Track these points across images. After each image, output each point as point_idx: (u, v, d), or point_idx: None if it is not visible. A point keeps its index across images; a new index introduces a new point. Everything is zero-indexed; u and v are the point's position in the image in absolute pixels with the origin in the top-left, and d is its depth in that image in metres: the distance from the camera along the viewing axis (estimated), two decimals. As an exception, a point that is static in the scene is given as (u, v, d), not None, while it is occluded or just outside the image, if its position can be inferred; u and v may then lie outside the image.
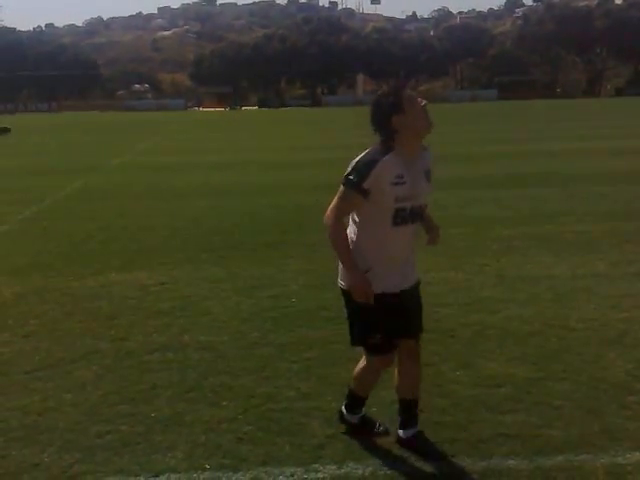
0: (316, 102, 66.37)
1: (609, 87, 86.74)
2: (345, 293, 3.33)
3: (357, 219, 3.26)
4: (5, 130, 30.77)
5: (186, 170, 16.05)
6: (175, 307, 5.79)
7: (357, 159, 3.15)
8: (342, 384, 4.23)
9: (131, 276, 6.86)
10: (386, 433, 3.59)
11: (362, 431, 3.62)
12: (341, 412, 3.69)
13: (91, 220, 10.11)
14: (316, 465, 3.35)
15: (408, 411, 3.50)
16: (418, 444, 3.45)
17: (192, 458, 3.45)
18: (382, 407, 3.93)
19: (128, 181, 14.47)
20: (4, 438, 3.68)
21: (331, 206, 3.22)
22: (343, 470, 3.30)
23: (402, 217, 3.20)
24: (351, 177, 3.11)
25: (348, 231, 3.29)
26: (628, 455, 3.38)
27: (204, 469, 3.35)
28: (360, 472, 3.29)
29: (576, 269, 6.76)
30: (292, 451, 3.48)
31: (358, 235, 3.26)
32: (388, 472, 3.28)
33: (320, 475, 3.26)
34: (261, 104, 77.57)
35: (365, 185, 3.08)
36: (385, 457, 3.41)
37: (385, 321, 3.27)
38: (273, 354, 4.73)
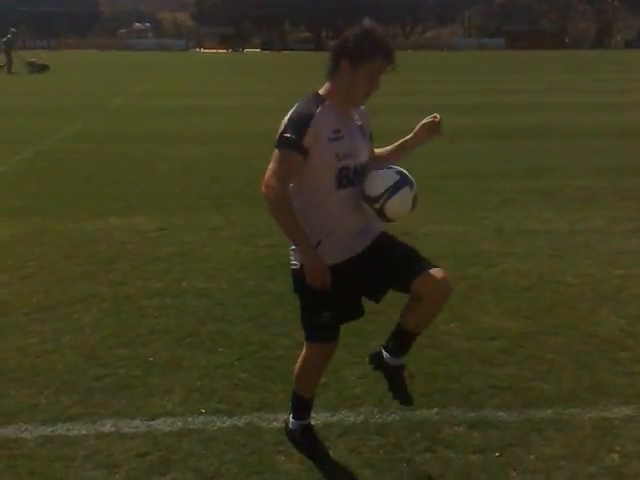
0: (320, 46, 65.12)
1: (619, 38, 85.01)
2: (297, 276, 2.85)
3: (296, 188, 2.78)
4: (44, 67, 29.95)
5: (186, 114, 15.86)
6: (174, 253, 5.81)
7: (289, 115, 2.72)
8: (337, 334, 4.28)
9: (130, 221, 6.86)
10: (323, 454, 3.08)
11: (302, 445, 3.10)
12: (286, 421, 3.20)
13: (90, 163, 10.04)
14: (309, 412, 3.41)
15: (406, 341, 3.05)
16: (393, 374, 3.03)
17: (188, 402, 3.51)
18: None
19: (128, 124, 14.32)
20: (2, 379, 3.74)
21: (268, 174, 2.69)
22: (336, 417, 3.37)
23: (347, 177, 2.77)
24: (287, 135, 2.66)
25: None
26: (616, 410, 3.44)
27: (200, 413, 3.41)
28: (352, 419, 3.35)
29: (575, 224, 6.76)
30: (286, 398, 3.52)
31: (300, 206, 2.76)
32: (379, 420, 3.34)
33: (313, 422, 3.31)
34: (264, 46, 76.13)
35: (304, 143, 2.65)
36: (377, 405, 3.47)
37: (336, 296, 2.80)
38: (270, 302, 4.77)
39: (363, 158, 2.86)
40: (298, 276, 2.83)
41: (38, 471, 2.95)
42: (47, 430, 3.25)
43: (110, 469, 2.97)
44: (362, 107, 2.94)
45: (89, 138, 12.40)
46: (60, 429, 3.26)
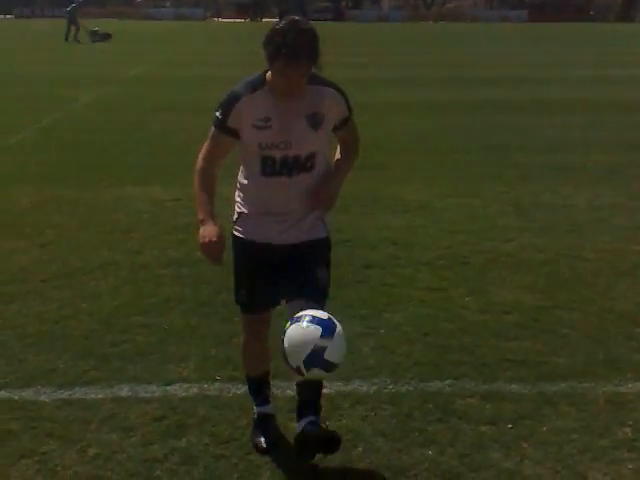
0: (339, 16, 64.26)
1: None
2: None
3: (239, 159, 2.82)
4: (107, 36, 29.74)
5: (203, 84, 15.79)
6: (190, 223, 5.80)
7: (228, 91, 2.70)
8: (352, 305, 4.31)
9: (147, 190, 6.88)
10: (271, 446, 2.92)
11: (258, 430, 2.96)
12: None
13: (107, 132, 10.07)
14: (323, 381, 3.44)
15: (306, 392, 2.85)
16: (305, 439, 2.73)
17: (203, 369, 3.56)
18: (389, 330, 3.99)
19: (145, 93, 14.30)
20: (21, 344, 3.80)
21: (203, 147, 2.77)
22: (349, 387, 3.39)
23: (271, 167, 2.68)
24: (217, 114, 2.67)
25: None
26: (630, 385, 3.44)
27: (214, 380, 3.45)
28: (365, 389, 3.38)
29: (594, 200, 6.68)
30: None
31: (239, 176, 2.83)
32: (392, 391, 3.36)
33: (326, 391, 3.33)
34: (282, 16, 75.13)
35: (230, 124, 2.63)
36: (390, 376, 3.49)
37: (251, 274, 2.84)
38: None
39: (302, 149, 2.68)
40: (231, 241, 2.87)
41: (56, 433, 3.01)
42: (65, 394, 3.31)
43: (127, 432, 3.02)
44: (332, 90, 2.72)
45: (106, 107, 12.41)
46: (78, 393, 3.32)
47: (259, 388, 3.08)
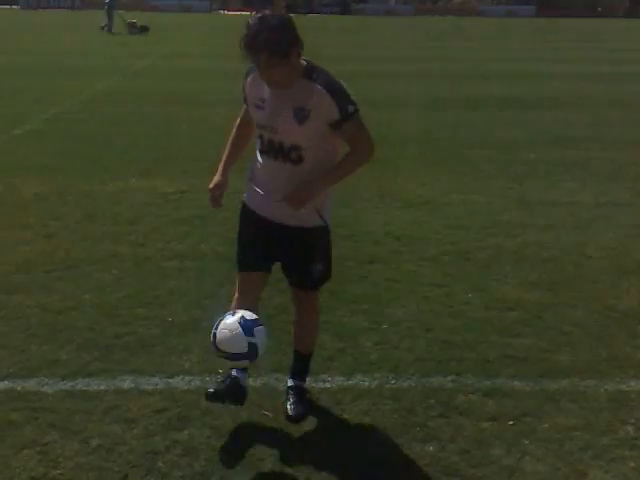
0: (345, 10, 64.07)
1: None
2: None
3: None
4: (145, 29, 29.44)
5: (209, 76, 15.78)
6: (194, 216, 5.83)
7: None
8: (354, 300, 4.31)
9: (151, 183, 6.88)
10: (289, 419, 3.09)
11: (225, 393, 2.94)
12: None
13: (112, 124, 10.07)
14: (325, 376, 3.45)
15: (296, 361, 3.23)
16: (295, 397, 3.15)
17: (206, 362, 3.56)
18: (392, 325, 4.00)
19: (150, 86, 14.29)
20: (24, 334, 3.82)
21: None
22: (351, 382, 3.40)
23: (261, 145, 2.89)
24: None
25: None
26: (632, 383, 3.43)
27: (217, 373, 3.45)
28: (367, 384, 3.38)
29: (599, 197, 6.66)
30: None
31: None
32: (394, 386, 3.37)
33: (328, 385, 3.36)
34: (289, 9, 75.16)
35: (243, 93, 2.95)
36: (392, 371, 3.49)
37: (248, 234, 3.02)
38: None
39: (285, 138, 2.75)
40: None
41: (58, 424, 3.02)
42: (67, 385, 3.32)
43: (128, 424, 3.03)
44: (323, 90, 2.68)
45: (112, 99, 12.41)
46: (80, 384, 3.34)
47: None
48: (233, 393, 2.90)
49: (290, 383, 3.24)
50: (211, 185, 3.08)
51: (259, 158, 2.94)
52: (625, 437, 3.01)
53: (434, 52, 22.69)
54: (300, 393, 3.20)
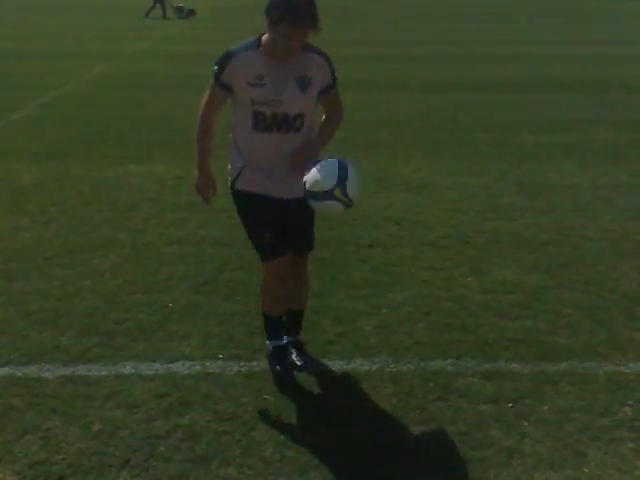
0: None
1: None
2: (233, 196, 3.16)
3: (233, 114, 3.09)
4: (192, 12, 28.86)
5: (206, 60, 15.67)
6: (192, 202, 5.79)
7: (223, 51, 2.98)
8: (354, 285, 4.31)
9: (149, 168, 6.87)
10: (299, 369, 3.33)
11: (272, 363, 3.34)
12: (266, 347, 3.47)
13: (109, 109, 10.02)
14: (325, 359, 3.46)
15: (291, 319, 3.45)
16: (297, 350, 3.42)
17: (206, 347, 3.57)
18: (392, 309, 4.02)
19: (147, 70, 14.20)
20: (25, 321, 3.82)
21: (204, 96, 3.08)
22: (351, 366, 3.41)
23: (262, 122, 2.93)
24: (214, 68, 2.97)
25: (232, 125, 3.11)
26: (631, 365, 3.45)
27: (217, 358, 3.47)
28: (367, 368, 3.39)
29: (598, 179, 6.65)
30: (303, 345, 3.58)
31: (234, 131, 3.10)
32: (394, 369, 3.38)
33: (328, 369, 3.38)
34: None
35: (223, 79, 2.93)
36: (391, 355, 3.50)
37: (268, 218, 3.08)
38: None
39: (291, 108, 2.92)
40: (233, 197, 3.15)
41: (60, 409, 3.03)
42: (68, 371, 3.34)
43: (130, 409, 3.05)
44: (320, 57, 2.96)
45: (109, 84, 12.34)
46: (81, 370, 3.35)
47: (276, 326, 3.39)
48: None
49: (290, 339, 3.45)
50: (199, 186, 3.16)
51: (255, 137, 2.97)
52: (624, 419, 3.02)
53: (434, 35, 22.53)
54: (300, 346, 3.47)
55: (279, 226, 3.10)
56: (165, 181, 6.44)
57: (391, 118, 9.54)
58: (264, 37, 2.91)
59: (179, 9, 28.60)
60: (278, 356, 3.34)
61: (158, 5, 28.75)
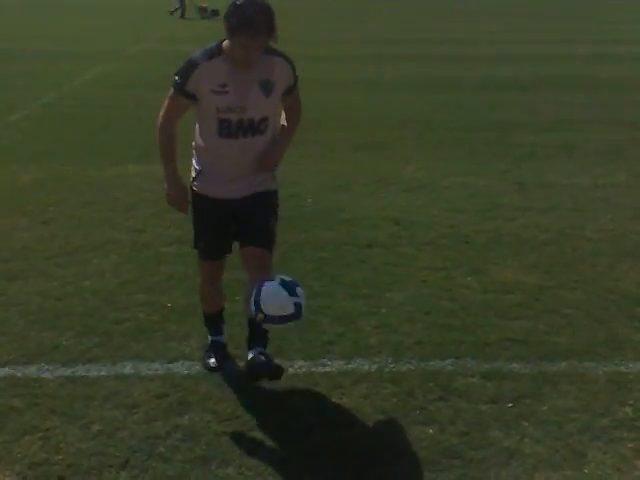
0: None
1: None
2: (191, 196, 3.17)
3: (196, 120, 3.10)
4: (215, 13, 28.42)
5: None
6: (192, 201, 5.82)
7: (186, 59, 2.95)
8: (353, 285, 4.31)
9: (149, 168, 6.85)
10: (224, 365, 3.35)
11: (210, 353, 3.41)
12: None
13: (109, 109, 10.02)
14: (324, 360, 3.46)
15: (252, 328, 3.24)
16: (257, 367, 3.07)
17: (205, 347, 3.56)
18: (391, 309, 4.01)
19: (146, 70, 14.19)
20: (24, 321, 3.82)
21: (162, 108, 3.05)
22: (350, 366, 3.41)
23: (227, 129, 2.94)
24: (176, 78, 2.94)
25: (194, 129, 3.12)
26: (631, 365, 3.45)
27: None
28: (367, 368, 3.39)
29: (597, 179, 6.65)
30: (302, 346, 3.59)
31: (196, 136, 3.11)
32: (393, 369, 3.38)
33: (328, 369, 3.37)
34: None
35: (188, 88, 2.90)
36: (391, 355, 3.50)
37: (209, 227, 3.17)
38: (287, 252, 4.78)
39: (255, 113, 2.94)
40: (191, 196, 3.16)
41: (59, 410, 3.03)
42: (68, 371, 3.33)
43: (129, 409, 3.05)
44: (282, 59, 2.99)
45: (108, 84, 12.34)
46: (80, 370, 3.35)
47: (214, 322, 3.51)
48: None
49: (255, 352, 3.14)
50: (172, 197, 3.10)
51: (221, 143, 2.97)
52: (624, 418, 3.02)
53: (434, 34, 22.53)
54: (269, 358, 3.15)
55: (225, 231, 3.16)
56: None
57: (390, 118, 9.54)
58: (225, 43, 2.90)
59: (203, 9, 28.17)
60: (213, 350, 3.44)
61: (183, 4, 28.33)
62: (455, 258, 4.75)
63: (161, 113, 3.05)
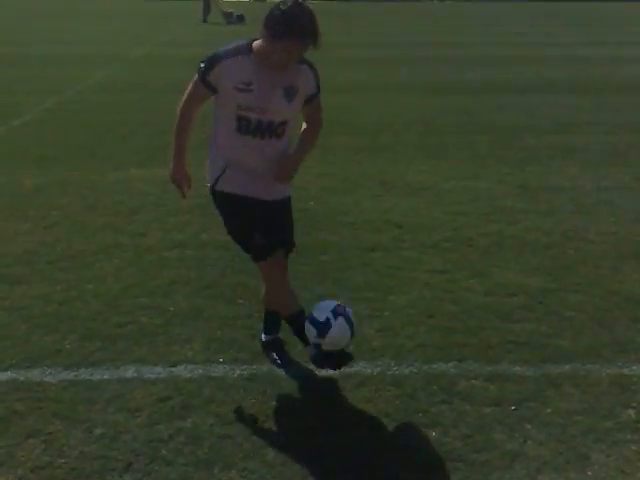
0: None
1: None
2: (214, 197, 3.18)
3: (214, 115, 3.10)
4: (240, 18, 28.18)
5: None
6: (194, 206, 5.81)
7: (218, 49, 2.97)
8: (356, 288, 4.31)
9: (151, 172, 6.87)
10: (288, 360, 3.47)
11: (270, 353, 3.51)
12: (259, 338, 3.61)
13: (112, 113, 10.04)
14: (327, 363, 3.45)
15: (270, 318, 3.52)
16: (274, 347, 3.52)
17: (209, 351, 3.57)
18: (394, 312, 4.01)
19: (149, 74, 14.23)
20: (27, 325, 3.82)
21: (186, 91, 3.07)
22: (353, 369, 3.40)
23: (246, 127, 2.96)
24: (201, 65, 2.96)
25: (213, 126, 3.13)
26: (634, 367, 3.44)
27: (220, 362, 3.47)
28: (369, 371, 3.39)
29: (600, 181, 6.65)
30: (304, 349, 3.58)
31: (215, 131, 3.11)
32: (396, 372, 3.37)
33: (331, 372, 3.37)
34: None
35: (209, 78, 2.92)
36: (394, 358, 3.50)
37: (255, 219, 3.11)
38: (290, 256, 4.77)
39: (276, 116, 2.95)
40: (215, 198, 3.17)
41: (62, 413, 3.03)
42: (71, 375, 3.33)
43: (132, 412, 3.05)
44: (309, 68, 3.01)
45: (110, 88, 12.36)
46: (83, 374, 3.35)
47: (279, 322, 3.50)
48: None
49: (269, 337, 3.54)
50: (175, 177, 3.15)
51: (238, 139, 2.99)
52: (627, 421, 3.02)
53: (432, 37, 22.56)
54: (281, 345, 3.55)
55: (265, 226, 3.12)
56: (167, 185, 6.36)
57: (393, 121, 9.55)
58: (256, 43, 2.91)
59: (229, 14, 27.91)
60: (276, 347, 3.52)
61: (214, 8, 28.02)
62: (458, 261, 4.75)
63: (183, 98, 3.07)
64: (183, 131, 3.10)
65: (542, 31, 26.99)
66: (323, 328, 3.01)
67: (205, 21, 27.96)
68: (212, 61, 2.92)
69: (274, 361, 3.45)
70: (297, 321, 3.22)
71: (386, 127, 9.13)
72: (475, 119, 9.73)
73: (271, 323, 3.56)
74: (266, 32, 2.81)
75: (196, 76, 3.00)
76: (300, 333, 3.20)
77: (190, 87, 3.05)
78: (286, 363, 3.44)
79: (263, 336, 3.57)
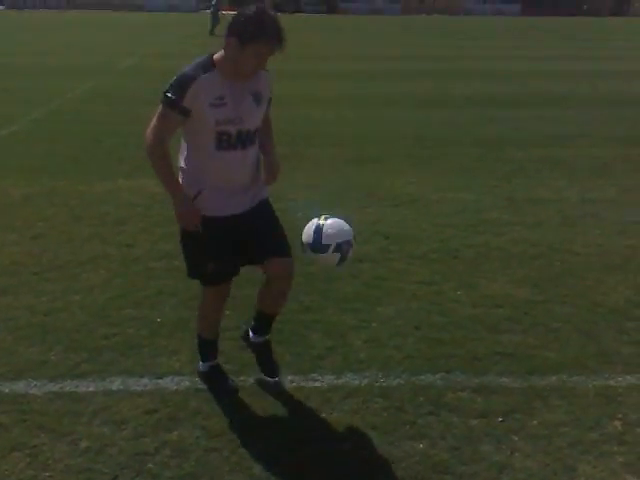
0: (331, 9, 64.16)
1: (637, 6, 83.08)
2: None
3: (184, 139, 3.01)
4: None
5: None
6: (182, 215, 5.82)
7: (176, 75, 2.84)
8: (343, 299, 4.31)
9: (139, 183, 6.86)
10: (235, 390, 3.31)
11: (212, 383, 3.34)
12: (197, 367, 3.41)
13: (100, 124, 10.02)
14: (315, 374, 3.45)
15: (264, 321, 3.34)
16: (259, 349, 3.38)
17: (195, 362, 3.53)
18: (381, 323, 4.01)
19: (138, 85, 14.23)
20: (12, 336, 3.79)
21: (150, 126, 2.90)
22: (341, 380, 3.40)
23: (227, 142, 2.91)
24: (169, 94, 2.82)
25: (181, 150, 3.04)
26: (620, 378, 3.46)
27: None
28: (357, 383, 3.38)
29: (586, 194, 6.71)
30: (292, 360, 3.58)
31: (187, 156, 3.01)
32: (383, 384, 3.37)
33: (318, 384, 3.36)
34: (277, 8, 74.83)
35: (184, 103, 2.80)
36: (381, 369, 3.50)
37: (218, 247, 3.04)
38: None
39: (250, 124, 2.96)
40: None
41: (47, 426, 3.00)
42: (56, 387, 3.30)
43: (118, 425, 3.02)
44: (266, 72, 3.03)
45: (99, 99, 12.35)
46: (69, 386, 3.32)
47: (211, 347, 3.38)
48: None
49: (259, 339, 3.37)
50: (183, 213, 2.95)
51: (218, 157, 2.92)
52: (613, 432, 3.03)
53: (421, 51, 22.73)
54: (269, 350, 3.40)
55: (231, 251, 3.07)
56: (154, 196, 6.43)
57: (380, 133, 9.60)
58: (216, 56, 2.88)
59: None
60: (216, 375, 3.36)
61: (217, 21, 28.02)
62: (445, 272, 4.77)
63: (151, 135, 2.90)
64: (169, 169, 2.94)
65: (528, 45, 27.27)
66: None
67: (212, 33, 28.02)
68: (182, 84, 2.80)
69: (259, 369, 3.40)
70: (208, 347, 3.36)
71: (373, 139, 9.18)
72: (462, 131, 9.80)
73: (262, 324, 3.37)
74: (234, 39, 2.78)
75: (162, 108, 2.86)
76: (204, 359, 3.35)
77: (158, 122, 2.88)
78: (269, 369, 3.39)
79: (251, 334, 3.40)
